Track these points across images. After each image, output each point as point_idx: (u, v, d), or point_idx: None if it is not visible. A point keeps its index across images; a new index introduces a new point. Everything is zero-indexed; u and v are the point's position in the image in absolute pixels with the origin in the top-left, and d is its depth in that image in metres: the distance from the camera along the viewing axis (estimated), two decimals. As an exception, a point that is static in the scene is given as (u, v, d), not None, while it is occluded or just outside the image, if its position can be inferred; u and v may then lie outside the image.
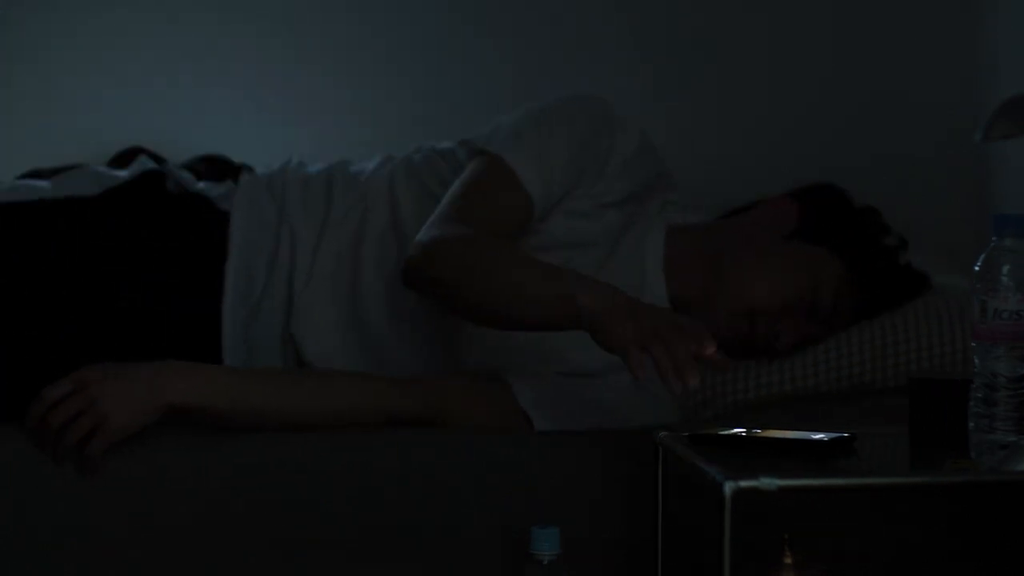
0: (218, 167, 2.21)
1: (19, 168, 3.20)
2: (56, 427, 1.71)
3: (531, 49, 3.18)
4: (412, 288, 1.98)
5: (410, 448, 1.85)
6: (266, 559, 1.68)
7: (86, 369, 1.75)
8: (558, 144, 2.05)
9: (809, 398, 2.14)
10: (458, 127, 2.46)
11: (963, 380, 1.49)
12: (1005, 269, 1.44)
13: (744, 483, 1.36)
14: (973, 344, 1.45)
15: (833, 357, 2.15)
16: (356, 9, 3.20)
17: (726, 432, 1.59)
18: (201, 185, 2.14)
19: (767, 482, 1.37)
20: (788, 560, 1.42)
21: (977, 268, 1.46)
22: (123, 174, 2.12)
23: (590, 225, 2.09)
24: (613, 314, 1.71)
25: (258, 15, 3.20)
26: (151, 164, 2.12)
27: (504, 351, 2.03)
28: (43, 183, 2.11)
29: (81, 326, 2.00)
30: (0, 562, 1.63)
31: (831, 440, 1.56)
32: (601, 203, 2.09)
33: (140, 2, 3.19)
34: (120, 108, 3.21)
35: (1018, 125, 1.97)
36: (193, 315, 2.04)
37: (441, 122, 3.13)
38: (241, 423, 1.82)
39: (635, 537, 1.67)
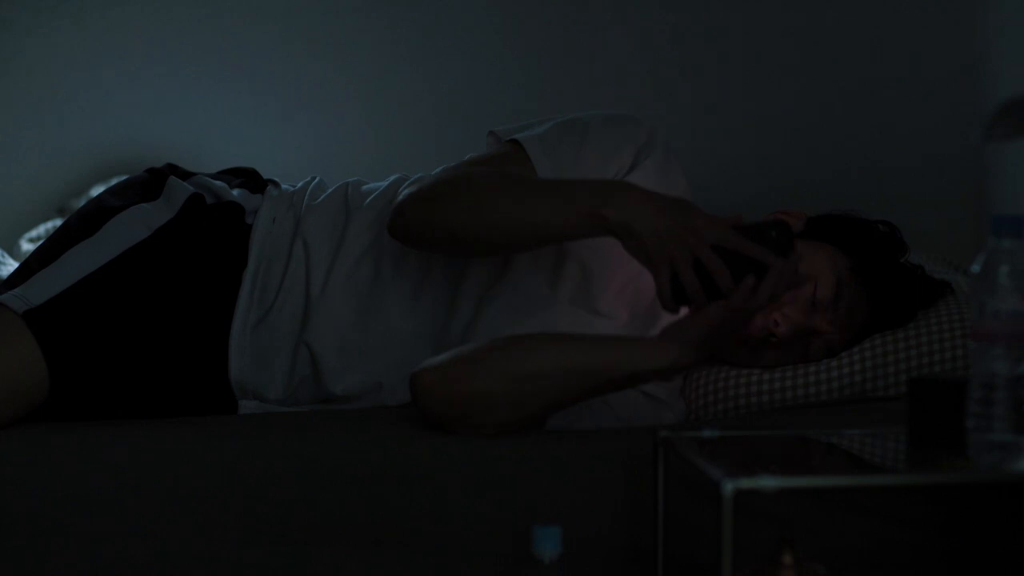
0: (249, 178, 2.23)
1: (20, 167, 3.21)
2: None
3: (534, 50, 3.18)
4: (399, 234, 2.00)
5: (410, 448, 1.85)
6: (266, 559, 1.68)
7: None
8: (577, 147, 2.06)
9: (812, 404, 2.14)
10: (458, 127, 2.47)
11: (961, 380, 1.49)
12: (1003, 270, 1.44)
13: (744, 483, 1.36)
14: (971, 344, 1.46)
15: (835, 365, 2.15)
16: (357, 9, 3.21)
17: (727, 432, 1.60)
18: (236, 193, 2.16)
19: (767, 482, 1.37)
20: (788, 560, 1.43)
21: (975, 268, 1.46)
22: (163, 203, 2.13)
23: None
24: (645, 227, 1.87)
25: (258, 15, 3.20)
26: (188, 189, 2.13)
27: None
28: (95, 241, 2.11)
29: (124, 325, 2.05)
30: (1, 562, 1.63)
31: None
32: None
33: (141, 3, 3.20)
34: (120, 108, 3.21)
35: (1018, 126, 1.98)
36: (207, 315, 2.08)
37: (442, 121, 3.14)
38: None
39: (635, 537, 1.67)
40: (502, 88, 3.16)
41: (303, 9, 3.20)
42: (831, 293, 2.09)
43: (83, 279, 2.04)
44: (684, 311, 1.93)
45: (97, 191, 2.85)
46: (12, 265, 2.64)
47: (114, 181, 2.69)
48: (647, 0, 3.17)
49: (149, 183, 2.18)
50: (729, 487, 1.36)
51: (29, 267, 2.11)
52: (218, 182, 2.19)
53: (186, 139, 3.16)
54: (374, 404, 2.09)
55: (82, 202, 2.70)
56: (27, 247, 2.96)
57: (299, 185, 2.22)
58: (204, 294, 2.08)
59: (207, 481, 1.75)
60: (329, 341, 2.07)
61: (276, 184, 2.23)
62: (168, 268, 2.07)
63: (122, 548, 1.63)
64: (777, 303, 1.97)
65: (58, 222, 2.88)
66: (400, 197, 2.01)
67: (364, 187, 2.20)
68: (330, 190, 2.19)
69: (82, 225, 2.12)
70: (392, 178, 2.21)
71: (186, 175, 2.20)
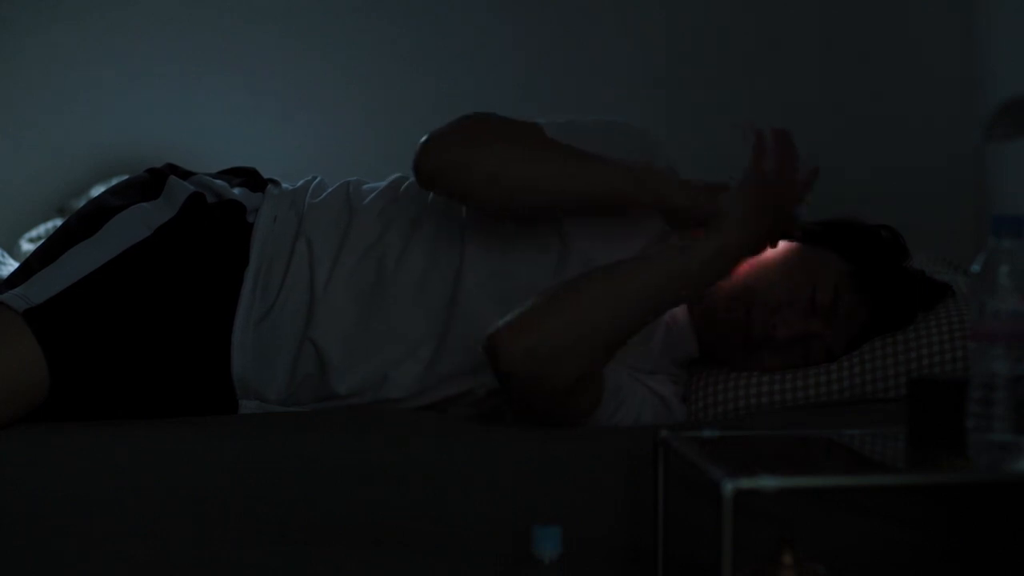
0: (249, 177, 2.24)
1: (20, 167, 3.21)
2: None
3: (534, 50, 3.19)
4: (428, 171, 2.04)
5: (410, 447, 1.86)
6: (266, 559, 1.68)
7: None
8: (590, 143, 2.08)
9: (812, 406, 2.14)
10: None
11: (961, 380, 1.50)
12: (1003, 270, 1.44)
13: (744, 483, 1.36)
14: (971, 344, 1.46)
15: (836, 368, 2.15)
16: (357, 9, 3.21)
17: (727, 432, 1.60)
18: (236, 192, 2.17)
19: (767, 482, 1.37)
20: (788, 560, 1.43)
21: (976, 268, 1.46)
22: (164, 202, 2.13)
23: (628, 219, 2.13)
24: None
25: (258, 15, 3.20)
26: (189, 188, 2.13)
27: None
28: (95, 241, 2.11)
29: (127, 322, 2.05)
30: (1, 562, 1.63)
31: None
32: None
33: (141, 3, 3.20)
34: (120, 108, 3.22)
35: (1018, 126, 1.98)
36: (208, 313, 2.08)
37: (441, 121, 3.14)
38: None
39: (635, 537, 1.67)
40: (502, 88, 3.16)
41: (303, 9, 3.20)
42: (830, 298, 2.10)
43: (84, 278, 2.04)
44: None
45: (97, 191, 2.85)
46: (12, 265, 2.65)
47: (114, 181, 2.69)
48: (647, 0, 3.17)
49: (149, 183, 2.18)
50: (729, 487, 1.36)
51: (30, 267, 2.11)
52: (219, 181, 2.19)
53: (186, 139, 3.16)
54: (375, 399, 2.09)
55: (82, 202, 2.70)
56: (27, 247, 2.96)
57: (299, 184, 2.23)
58: (205, 293, 2.08)
59: (207, 481, 1.75)
60: (333, 338, 2.08)
61: (276, 183, 2.23)
62: (169, 267, 2.07)
63: (122, 548, 1.63)
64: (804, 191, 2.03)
65: (58, 222, 2.88)
66: (427, 136, 2.04)
67: (364, 186, 2.21)
68: (331, 189, 2.20)
69: (82, 225, 2.12)
70: (392, 178, 2.21)
71: (186, 175, 2.20)
